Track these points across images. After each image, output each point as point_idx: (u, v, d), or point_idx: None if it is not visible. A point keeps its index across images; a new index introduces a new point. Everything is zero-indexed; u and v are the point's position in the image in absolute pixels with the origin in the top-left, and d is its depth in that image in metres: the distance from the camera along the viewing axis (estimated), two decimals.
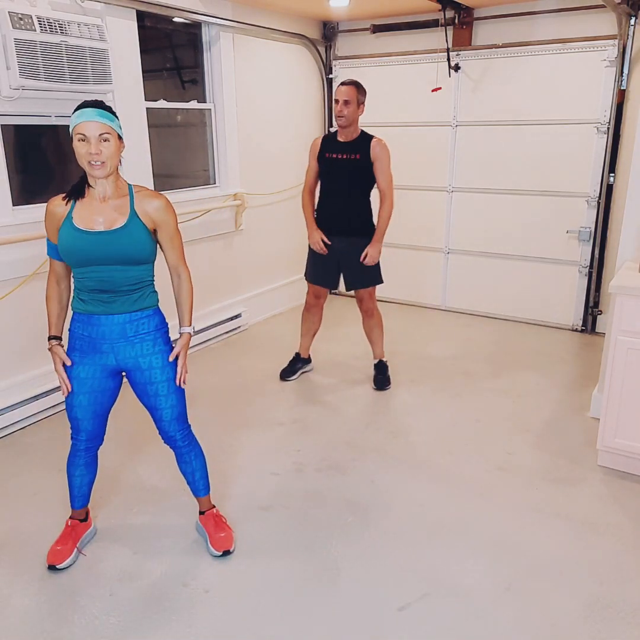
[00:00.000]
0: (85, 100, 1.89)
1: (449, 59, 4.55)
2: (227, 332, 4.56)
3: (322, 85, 5.19)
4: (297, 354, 3.90)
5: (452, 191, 4.92)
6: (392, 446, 3.04)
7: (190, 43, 4.16)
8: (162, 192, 3.93)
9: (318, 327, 3.85)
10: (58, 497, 2.60)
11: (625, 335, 2.62)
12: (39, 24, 2.92)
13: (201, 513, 2.36)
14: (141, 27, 3.61)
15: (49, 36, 2.96)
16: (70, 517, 2.31)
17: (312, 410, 3.42)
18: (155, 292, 2.10)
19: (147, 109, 3.74)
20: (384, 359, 3.79)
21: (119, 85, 3.46)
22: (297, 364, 3.88)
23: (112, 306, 1.99)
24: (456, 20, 4.48)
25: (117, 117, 1.92)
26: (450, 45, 4.50)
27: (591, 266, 4.52)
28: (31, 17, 2.89)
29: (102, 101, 1.90)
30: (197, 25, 4.08)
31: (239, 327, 4.67)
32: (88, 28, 3.14)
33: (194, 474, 2.27)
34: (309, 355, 3.95)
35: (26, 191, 3.27)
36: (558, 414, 3.36)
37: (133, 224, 1.94)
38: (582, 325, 4.66)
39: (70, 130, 1.86)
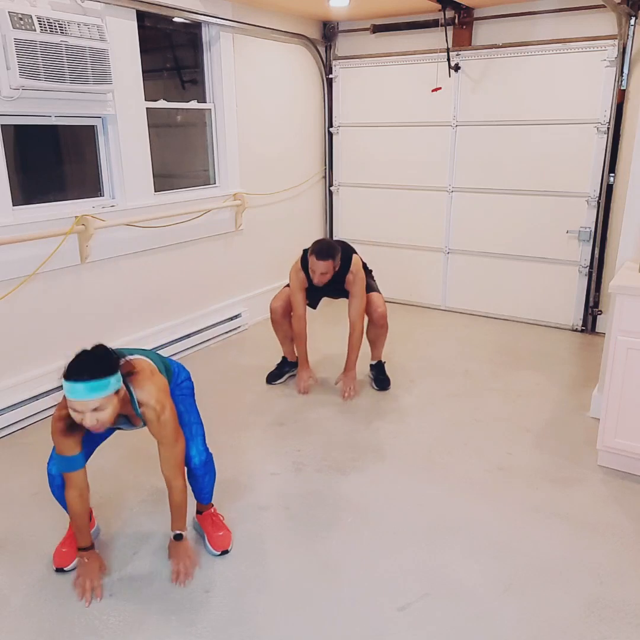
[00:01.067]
0: (75, 363, 1.74)
1: (449, 59, 4.55)
2: (227, 332, 4.56)
3: (322, 85, 5.19)
4: (284, 358, 3.87)
5: (452, 191, 4.92)
6: (392, 446, 3.04)
7: (190, 43, 4.16)
8: (163, 194, 3.96)
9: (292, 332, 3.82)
10: None
11: (625, 335, 2.62)
12: (39, 24, 2.92)
13: (199, 512, 2.36)
14: (141, 27, 3.60)
15: (49, 36, 2.96)
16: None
17: (312, 410, 3.42)
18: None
19: (147, 109, 3.74)
20: (382, 360, 3.78)
21: (119, 85, 3.46)
22: (284, 368, 3.85)
23: None
24: (456, 20, 4.48)
25: (113, 370, 1.77)
26: (450, 45, 4.50)
27: (591, 266, 4.52)
28: (31, 17, 2.89)
29: (95, 359, 1.75)
30: (197, 25, 4.08)
31: (239, 327, 4.68)
32: (88, 28, 3.14)
33: (202, 489, 2.26)
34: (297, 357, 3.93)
35: (26, 191, 3.27)
36: (558, 414, 3.36)
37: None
38: (582, 325, 4.66)
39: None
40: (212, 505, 2.37)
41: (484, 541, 2.34)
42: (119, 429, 2.12)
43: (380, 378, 3.72)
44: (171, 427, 1.98)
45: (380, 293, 3.64)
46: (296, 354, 3.83)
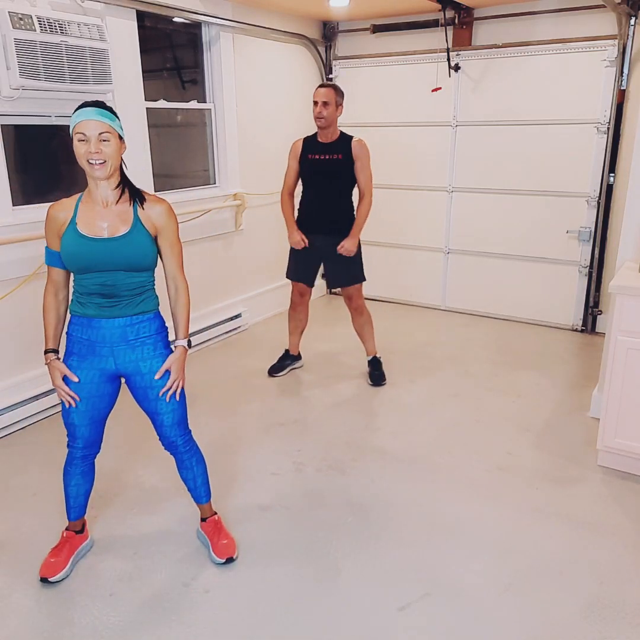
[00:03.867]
0: (85, 101, 1.88)
1: (449, 59, 4.55)
2: (227, 332, 4.56)
3: None
4: (287, 351, 3.94)
5: (452, 191, 4.92)
6: (392, 446, 3.04)
7: (190, 43, 4.16)
8: (163, 194, 3.95)
9: (305, 324, 3.89)
10: (58, 498, 2.60)
11: (625, 335, 2.62)
12: (39, 24, 2.92)
13: (203, 520, 2.33)
14: (141, 27, 3.61)
15: (49, 36, 2.96)
16: (65, 529, 2.26)
17: (312, 410, 3.42)
18: (156, 296, 2.09)
19: (147, 109, 3.74)
20: (378, 355, 3.82)
21: (119, 85, 3.46)
22: (286, 361, 3.91)
23: (113, 310, 1.98)
24: (456, 20, 4.48)
25: (118, 117, 1.91)
26: (450, 45, 4.50)
27: (591, 266, 4.52)
28: (31, 17, 2.89)
29: (102, 102, 1.90)
30: (197, 25, 4.08)
31: (239, 327, 4.67)
32: (88, 28, 3.14)
33: (195, 480, 2.25)
34: (299, 352, 3.97)
35: (26, 191, 3.27)
36: (558, 414, 3.36)
37: (136, 231, 1.93)
38: (582, 325, 4.66)
39: (71, 130, 1.85)
40: (216, 512, 2.35)
41: (484, 541, 2.34)
42: (108, 276, 1.95)
43: (374, 374, 3.75)
44: (174, 222, 2.01)
45: (359, 280, 3.63)
46: (298, 349, 3.95)
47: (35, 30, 2.91)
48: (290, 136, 4.91)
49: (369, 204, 3.51)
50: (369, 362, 3.83)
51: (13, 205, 3.13)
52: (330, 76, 5.14)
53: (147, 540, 2.35)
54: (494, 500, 2.60)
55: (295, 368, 3.96)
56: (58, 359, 2.03)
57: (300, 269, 3.69)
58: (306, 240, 3.56)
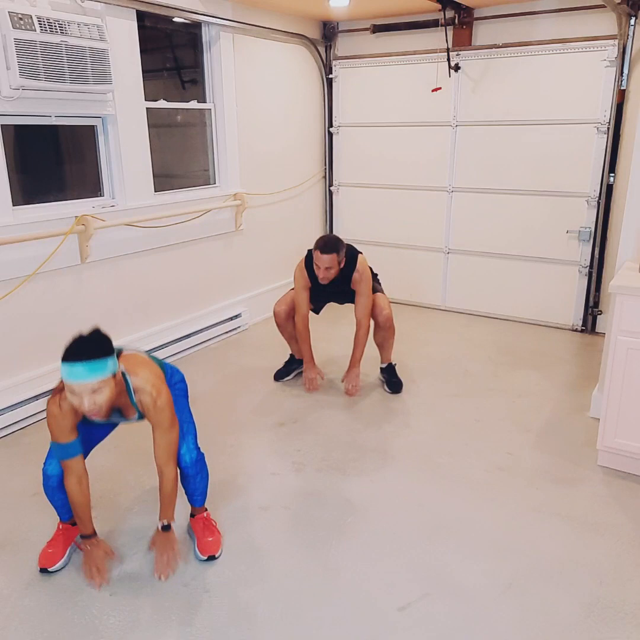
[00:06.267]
0: (73, 345, 1.74)
1: (449, 59, 4.55)
2: (227, 332, 4.56)
3: (322, 85, 5.19)
4: (291, 356, 3.88)
5: (452, 191, 4.92)
6: (392, 446, 3.04)
7: (190, 43, 4.16)
8: (163, 194, 3.96)
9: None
10: None
11: (625, 335, 2.62)
12: (39, 24, 2.92)
13: (191, 515, 2.33)
14: (141, 27, 3.60)
15: (49, 36, 2.96)
16: (60, 521, 2.26)
17: (312, 410, 3.42)
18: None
19: (147, 109, 3.74)
20: (393, 362, 3.74)
21: (119, 85, 3.46)
22: (292, 365, 3.86)
23: None
24: (456, 20, 4.48)
25: (110, 351, 1.78)
26: (450, 45, 4.50)
27: (591, 266, 4.52)
28: (31, 17, 2.89)
29: (92, 341, 1.76)
30: (197, 25, 4.08)
31: (239, 327, 4.68)
32: (88, 28, 3.14)
33: (194, 492, 2.25)
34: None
35: (26, 191, 3.27)
36: (558, 414, 3.36)
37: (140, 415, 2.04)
38: (582, 325, 4.66)
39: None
40: (206, 509, 2.34)
41: (484, 541, 2.34)
42: (113, 423, 2.13)
43: (392, 381, 3.67)
44: (167, 412, 1.98)
45: (385, 295, 3.63)
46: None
47: (35, 30, 2.90)
48: (290, 136, 4.93)
49: (365, 335, 3.48)
50: (383, 369, 3.73)
51: (13, 205, 3.13)
52: (330, 76, 5.14)
53: (147, 541, 2.35)
54: (494, 500, 2.60)
55: (301, 371, 3.82)
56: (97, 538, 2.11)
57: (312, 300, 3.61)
58: (317, 383, 3.61)
